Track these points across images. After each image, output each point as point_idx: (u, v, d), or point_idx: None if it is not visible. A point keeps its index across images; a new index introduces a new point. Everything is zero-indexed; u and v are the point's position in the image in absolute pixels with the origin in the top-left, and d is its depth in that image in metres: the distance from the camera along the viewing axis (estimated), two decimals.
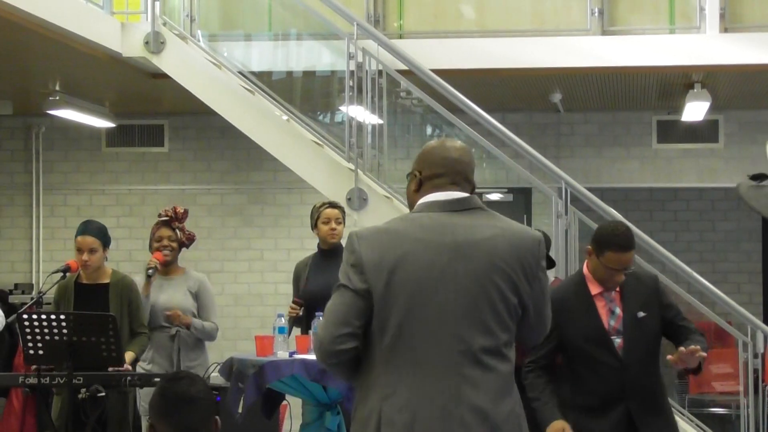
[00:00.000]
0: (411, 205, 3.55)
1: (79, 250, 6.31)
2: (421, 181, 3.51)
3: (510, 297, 3.36)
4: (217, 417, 3.42)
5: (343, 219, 6.80)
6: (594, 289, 4.89)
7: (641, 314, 4.86)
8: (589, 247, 4.87)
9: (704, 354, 4.69)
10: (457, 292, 3.33)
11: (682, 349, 4.70)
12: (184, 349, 6.62)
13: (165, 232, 6.75)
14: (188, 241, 6.84)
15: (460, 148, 3.55)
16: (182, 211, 6.81)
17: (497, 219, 3.46)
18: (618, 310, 4.87)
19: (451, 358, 3.32)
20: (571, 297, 4.88)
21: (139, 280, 6.60)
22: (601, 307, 4.88)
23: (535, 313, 3.45)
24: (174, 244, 6.75)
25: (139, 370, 6.51)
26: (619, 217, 7.44)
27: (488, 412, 3.31)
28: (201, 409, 3.33)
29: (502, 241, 3.38)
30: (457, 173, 3.48)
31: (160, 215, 6.81)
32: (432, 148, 3.55)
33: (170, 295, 6.70)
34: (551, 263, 6.27)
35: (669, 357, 4.76)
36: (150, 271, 6.58)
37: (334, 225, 6.69)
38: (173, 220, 6.76)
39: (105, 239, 6.40)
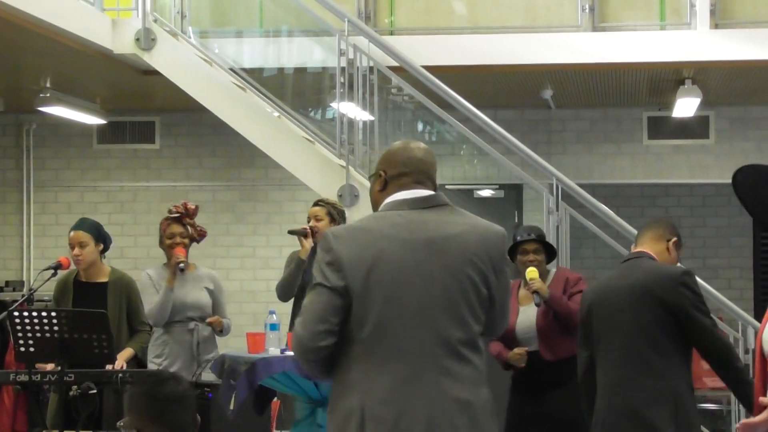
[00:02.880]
0: (375, 205, 3.63)
1: (71, 245, 6.33)
2: (386, 181, 3.58)
3: (482, 289, 3.46)
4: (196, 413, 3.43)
5: (336, 216, 6.68)
6: None
7: None
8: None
9: None
10: (434, 286, 3.41)
11: None
12: (202, 343, 6.62)
13: (176, 228, 6.67)
14: (199, 236, 6.76)
15: (424, 148, 3.64)
16: (193, 207, 6.75)
17: (464, 215, 3.56)
18: None
19: (431, 351, 3.39)
20: None
21: (151, 273, 6.59)
22: None
23: (499, 306, 3.55)
24: (186, 241, 6.69)
25: (152, 366, 6.49)
26: (610, 213, 7.46)
27: (470, 402, 3.40)
28: (190, 406, 3.34)
29: (472, 236, 3.48)
30: (421, 172, 3.57)
31: (170, 211, 6.71)
32: (396, 149, 3.64)
33: (187, 291, 6.64)
34: (553, 254, 6.29)
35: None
36: (181, 265, 6.53)
37: (313, 222, 6.65)
38: (184, 216, 6.70)
39: (97, 235, 6.39)
